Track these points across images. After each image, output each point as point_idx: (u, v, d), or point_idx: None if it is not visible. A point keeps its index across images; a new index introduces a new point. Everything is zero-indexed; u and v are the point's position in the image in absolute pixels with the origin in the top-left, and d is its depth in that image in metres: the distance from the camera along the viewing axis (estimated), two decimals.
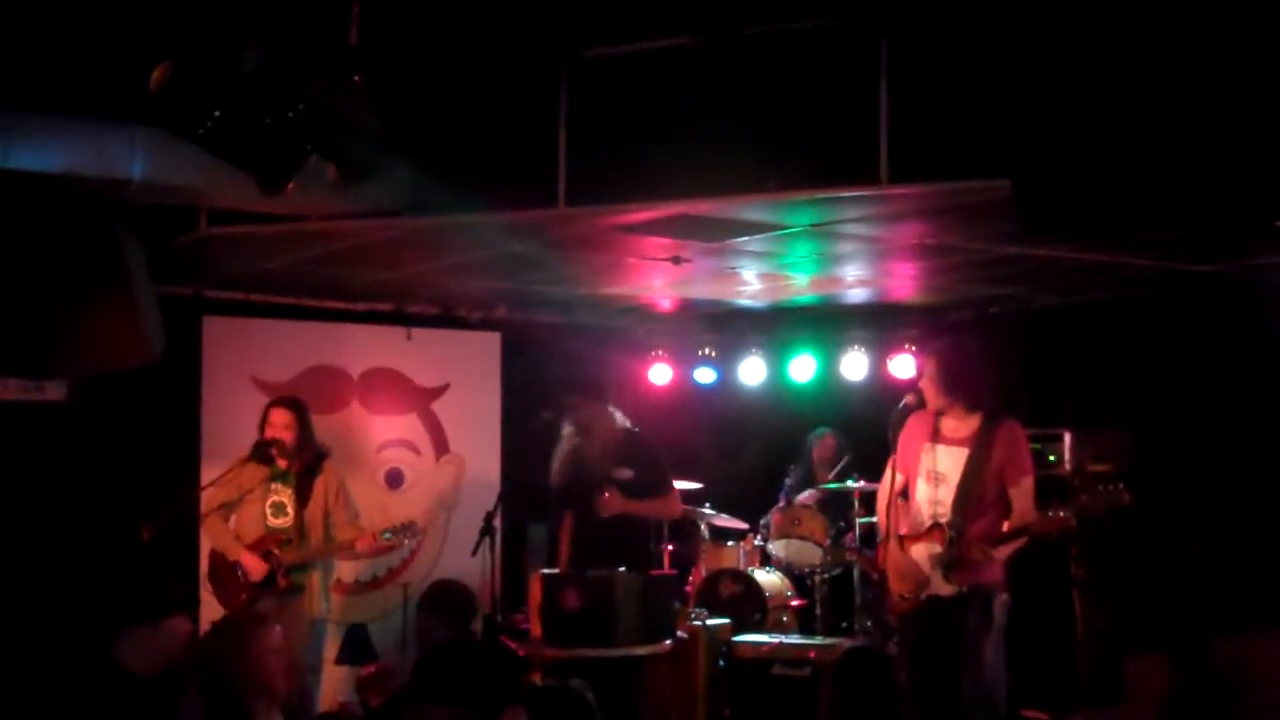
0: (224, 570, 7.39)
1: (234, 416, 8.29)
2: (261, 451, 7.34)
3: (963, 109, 5.45)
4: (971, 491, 6.15)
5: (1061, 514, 6.02)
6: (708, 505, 9.45)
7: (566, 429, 7.54)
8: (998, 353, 7.65)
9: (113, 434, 8.07)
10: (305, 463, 7.41)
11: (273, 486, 7.39)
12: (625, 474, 7.38)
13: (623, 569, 6.94)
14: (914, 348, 9.12)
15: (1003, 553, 6.17)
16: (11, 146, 5.42)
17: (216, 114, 4.08)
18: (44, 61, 5.01)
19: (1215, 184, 5.05)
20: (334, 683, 8.39)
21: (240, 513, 7.42)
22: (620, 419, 7.57)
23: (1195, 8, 4.89)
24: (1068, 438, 8.31)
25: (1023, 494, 6.17)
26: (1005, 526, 6.13)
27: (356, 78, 4.17)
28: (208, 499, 7.45)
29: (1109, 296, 8.49)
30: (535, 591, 7.44)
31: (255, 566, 7.26)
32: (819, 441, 9.93)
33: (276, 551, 7.27)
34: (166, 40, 4.32)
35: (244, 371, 8.67)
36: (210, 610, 7.54)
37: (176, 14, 4.39)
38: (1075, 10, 5.11)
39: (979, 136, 5.42)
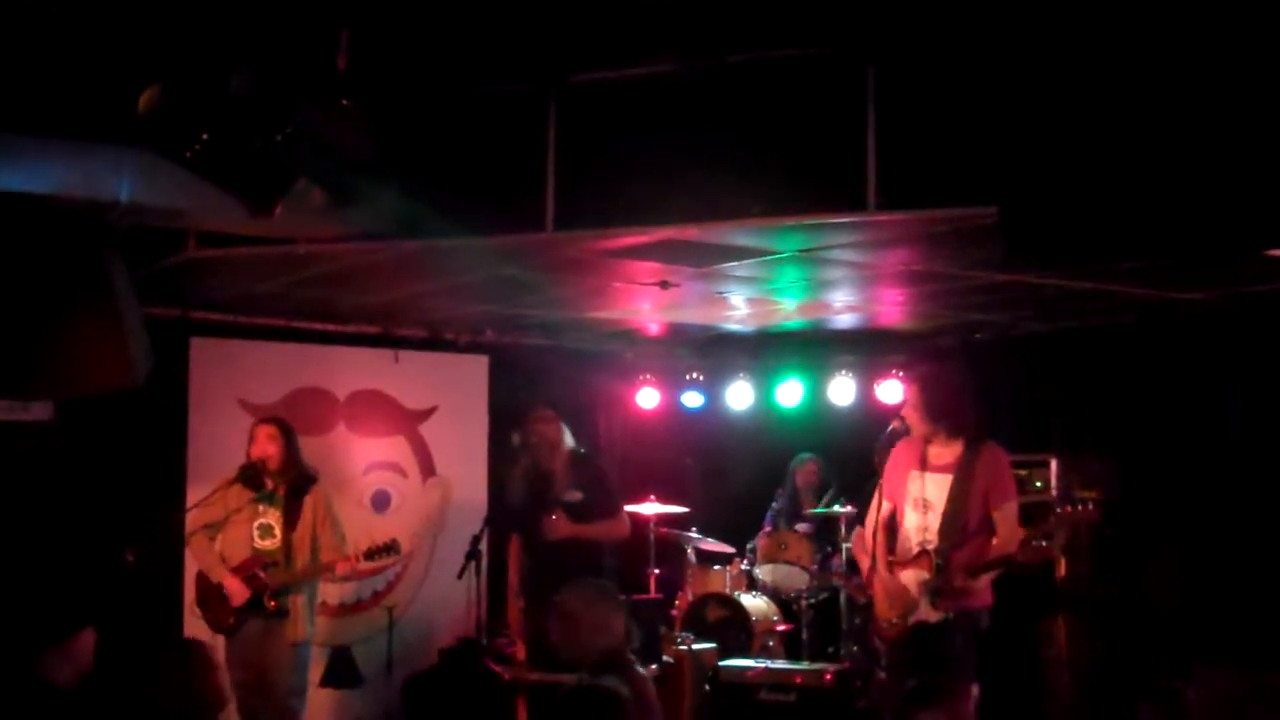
0: (209, 593, 7.36)
1: (221, 438, 8.27)
2: (248, 473, 7.32)
3: (950, 136, 5.46)
4: (957, 518, 6.17)
5: (1043, 544, 6.05)
6: (694, 529, 9.44)
7: (518, 448, 7.60)
8: (982, 379, 7.67)
9: (99, 455, 8.03)
10: (292, 484, 7.39)
11: (260, 508, 7.36)
12: (574, 495, 7.44)
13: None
14: (901, 373, 9.14)
15: (984, 580, 6.19)
16: None
17: (205, 136, 4.09)
18: (31, 83, 5.00)
19: (1201, 211, 5.06)
20: (319, 706, 8.36)
21: (226, 534, 7.39)
22: (570, 440, 7.60)
23: (1182, 35, 4.92)
24: (1054, 464, 8.32)
25: (1006, 518, 6.18)
26: (989, 553, 6.14)
27: (345, 102, 4.18)
28: (193, 520, 7.41)
29: (1096, 323, 8.52)
30: (515, 615, 7.46)
31: (237, 590, 7.23)
32: (802, 467, 9.94)
33: (262, 574, 7.23)
34: (155, 63, 4.33)
35: (231, 393, 8.65)
36: (196, 630, 7.51)
37: (165, 37, 4.39)
38: (1062, 38, 5.13)
39: (966, 163, 5.44)
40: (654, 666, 7.54)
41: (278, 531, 7.32)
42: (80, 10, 4.62)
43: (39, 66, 5.00)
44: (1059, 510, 6.18)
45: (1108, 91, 5.10)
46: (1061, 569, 8.11)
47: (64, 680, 4.35)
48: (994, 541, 6.16)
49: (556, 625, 5.34)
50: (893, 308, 8.61)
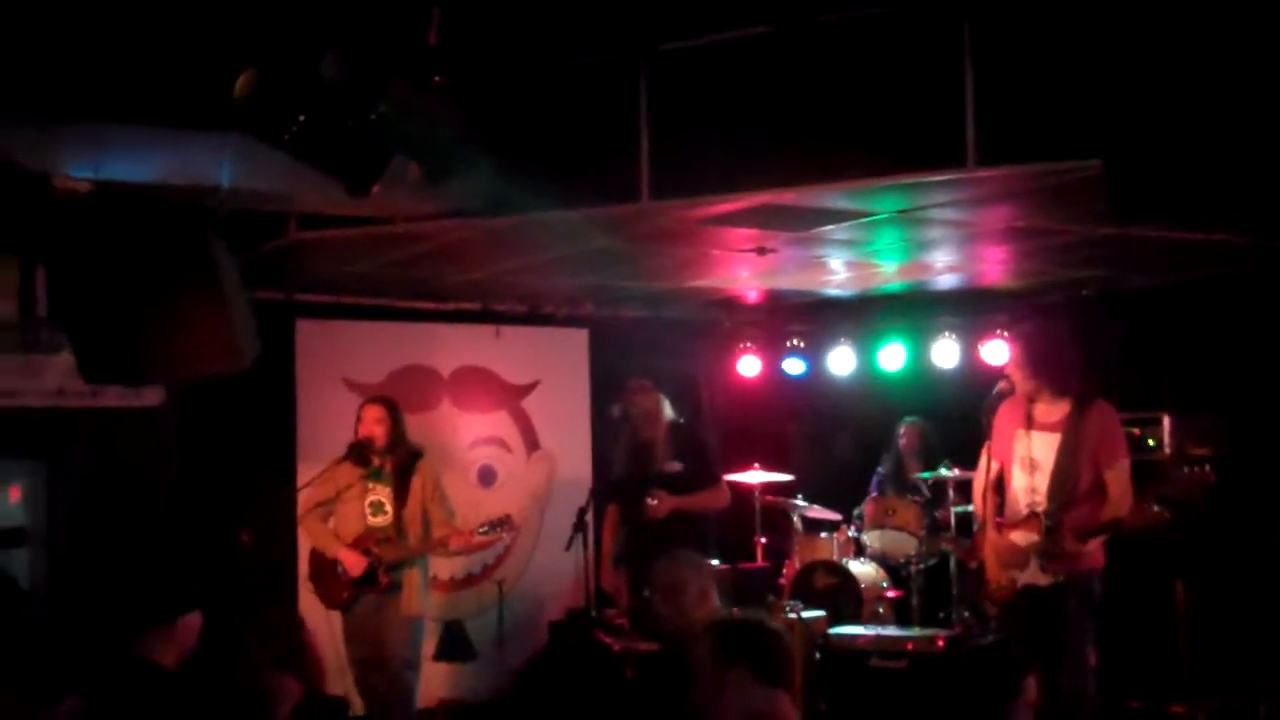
0: (324, 569, 7.47)
1: (328, 418, 8.39)
2: (357, 451, 7.41)
3: (1049, 88, 5.36)
4: (1066, 478, 6.07)
5: (1155, 508, 5.93)
6: (799, 497, 9.41)
7: (617, 420, 7.63)
8: (1088, 335, 7.53)
9: (210, 438, 8.19)
10: (400, 461, 7.47)
11: (370, 485, 7.44)
12: (674, 466, 7.48)
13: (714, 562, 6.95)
14: (1006, 333, 9.01)
15: (1095, 544, 6.09)
16: (103, 159, 5.51)
17: (300, 119, 4.11)
18: (131, 75, 5.09)
19: None
20: (433, 680, 8.46)
21: (339, 512, 7.49)
22: (668, 410, 7.61)
23: None
24: (1166, 421, 8.15)
25: (1118, 477, 6.08)
26: (1101, 515, 6.04)
27: (437, 79, 4.20)
28: (305, 499, 7.53)
29: (1206, 275, 8.33)
30: (610, 582, 7.50)
31: (354, 562, 7.33)
32: (907, 431, 9.85)
33: (376, 549, 7.33)
34: (249, 48, 4.37)
35: (337, 373, 8.77)
36: (312, 608, 7.63)
37: (258, 21, 4.43)
38: None
39: (1067, 115, 5.34)
40: None
41: (389, 508, 7.41)
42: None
43: (136, 59, 5.08)
44: (1179, 470, 6.04)
45: (1210, 36, 4.98)
46: (1178, 531, 7.96)
47: (169, 662, 4.42)
48: (1106, 503, 6.06)
49: (661, 596, 5.35)
50: (995, 266, 8.48)
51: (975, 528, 6.48)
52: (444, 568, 8.79)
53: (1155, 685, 7.84)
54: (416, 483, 7.43)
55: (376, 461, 7.43)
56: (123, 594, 4.59)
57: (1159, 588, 8.00)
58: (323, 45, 3.98)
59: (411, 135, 4.16)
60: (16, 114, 5.02)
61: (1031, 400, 6.27)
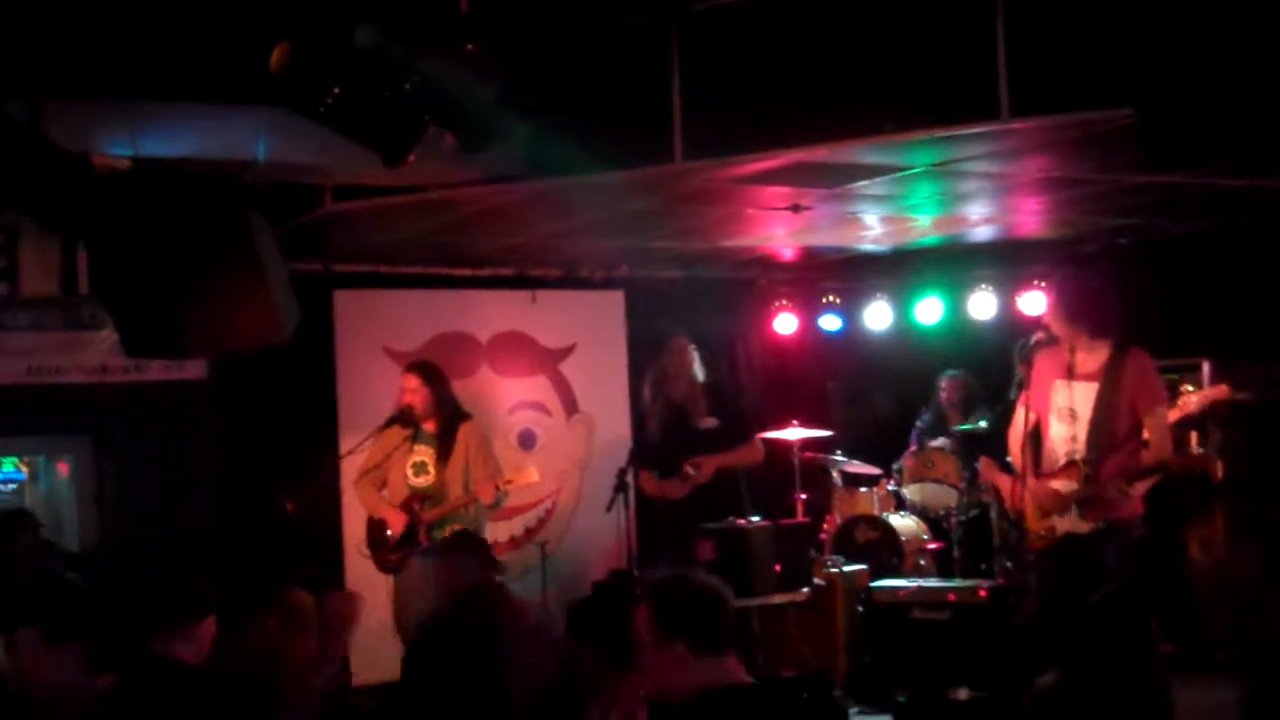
0: (377, 532, 7.57)
1: (368, 386, 8.47)
2: (402, 415, 7.49)
3: (1081, 36, 5.33)
4: (1104, 426, 6.06)
5: (1199, 450, 5.92)
6: (839, 452, 9.43)
7: (654, 380, 7.67)
8: (1126, 284, 7.50)
9: (252, 410, 8.28)
10: (443, 422, 7.54)
11: (414, 448, 7.54)
12: (710, 422, 7.52)
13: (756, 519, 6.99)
14: (1043, 283, 8.98)
15: (1139, 489, 6.09)
16: (140, 135, 5.57)
17: (335, 91, 4.13)
18: (166, 51, 5.13)
19: None
20: None
21: (388, 475, 7.58)
22: (702, 369, 7.64)
23: None
24: (1206, 367, 8.13)
25: (1157, 423, 6.07)
26: (1142, 460, 6.04)
27: (470, 45, 4.21)
28: (357, 465, 7.61)
29: (1242, 221, 8.27)
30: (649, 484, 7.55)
31: (395, 520, 7.42)
32: (947, 383, 9.84)
33: (418, 508, 7.41)
34: (282, 21, 4.39)
35: (375, 342, 8.83)
36: (359, 574, 7.71)
37: None
38: None
39: (1099, 64, 5.30)
40: (805, 590, 7.57)
41: (431, 468, 7.50)
42: None
43: (171, 35, 5.11)
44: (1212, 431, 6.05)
45: None
46: (1219, 471, 7.95)
47: (190, 658, 4.46)
48: (1145, 448, 6.06)
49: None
50: (1031, 217, 8.45)
51: (1013, 478, 6.47)
52: (489, 532, 8.86)
53: (1190, 629, 7.86)
54: (460, 442, 7.51)
55: (421, 424, 7.50)
56: (141, 593, 4.62)
57: (1197, 527, 8.02)
58: (356, 16, 3.99)
59: (447, 103, 4.17)
60: (56, 93, 5.07)
61: (1070, 350, 6.25)
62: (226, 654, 4.49)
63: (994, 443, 8.79)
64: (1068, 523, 6.14)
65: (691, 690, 3.56)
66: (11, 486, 8.58)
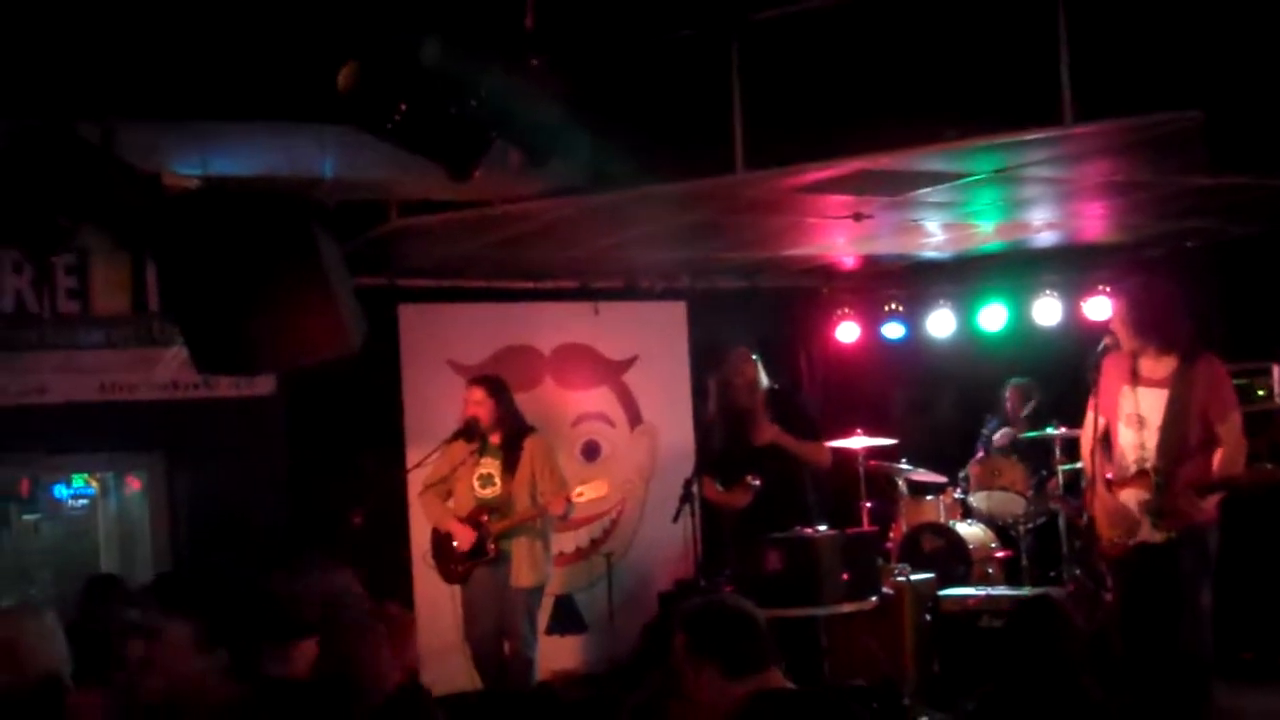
0: (443, 544, 7.64)
1: (434, 400, 8.54)
2: (467, 428, 7.55)
3: (1144, 40, 5.30)
4: (1175, 434, 6.00)
5: (1269, 466, 5.85)
6: (904, 461, 9.38)
7: (717, 390, 7.67)
8: (1193, 288, 7.43)
9: (320, 424, 8.36)
10: (508, 435, 7.59)
11: (480, 460, 7.60)
12: (773, 431, 7.49)
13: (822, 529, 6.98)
14: (1108, 289, 8.90)
15: (1211, 502, 6.01)
16: (209, 154, 5.66)
17: (402, 108, 4.19)
18: (235, 72, 5.22)
19: None
20: (545, 653, 8.56)
21: (454, 488, 7.65)
22: (766, 378, 7.63)
23: None
24: (1276, 370, 8.03)
25: (1231, 431, 5.99)
26: (1214, 469, 5.97)
27: (534, 61, 4.25)
28: (423, 478, 7.68)
29: None
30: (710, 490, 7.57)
31: (463, 534, 7.49)
32: (1012, 392, 9.77)
33: (485, 520, 7.47)
34: (348, 41, 4.46)
35: (440, 355, 8.90)
36: (427, 586, 7.75)
37: (356, 13, 4.51)
38: None
39: (1163, 67, 5.28)
40: (873, 599, 7.54)
41: (497, 480, 7.56)
42: None
43: (239, 57, 5.20)
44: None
45: None
46: None
47: (297, 673, 4.47)
48: (1218, 458, 5.98)
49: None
50: (1095, 222, 8.39)
51: (1084, 484, 6.42)
52: (555, 543, 8.90)
53: (1268, 636, 7.76)
54: (526, 454, 7.56)
55: (486, 437, 7.56)
56: (243, 611, 4.62)
57: (1272, 538, 7.91)
58: (422, 34, 4.05)
59: (512, 119, 4.23)
60: (127, 115, 5.16)
61: (1136, 356, 6.20)
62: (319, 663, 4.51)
63: (1061, 450, 8.76)
64: (1141, 533, 6.07)
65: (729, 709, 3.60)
66: (83, 502, 8.70)
